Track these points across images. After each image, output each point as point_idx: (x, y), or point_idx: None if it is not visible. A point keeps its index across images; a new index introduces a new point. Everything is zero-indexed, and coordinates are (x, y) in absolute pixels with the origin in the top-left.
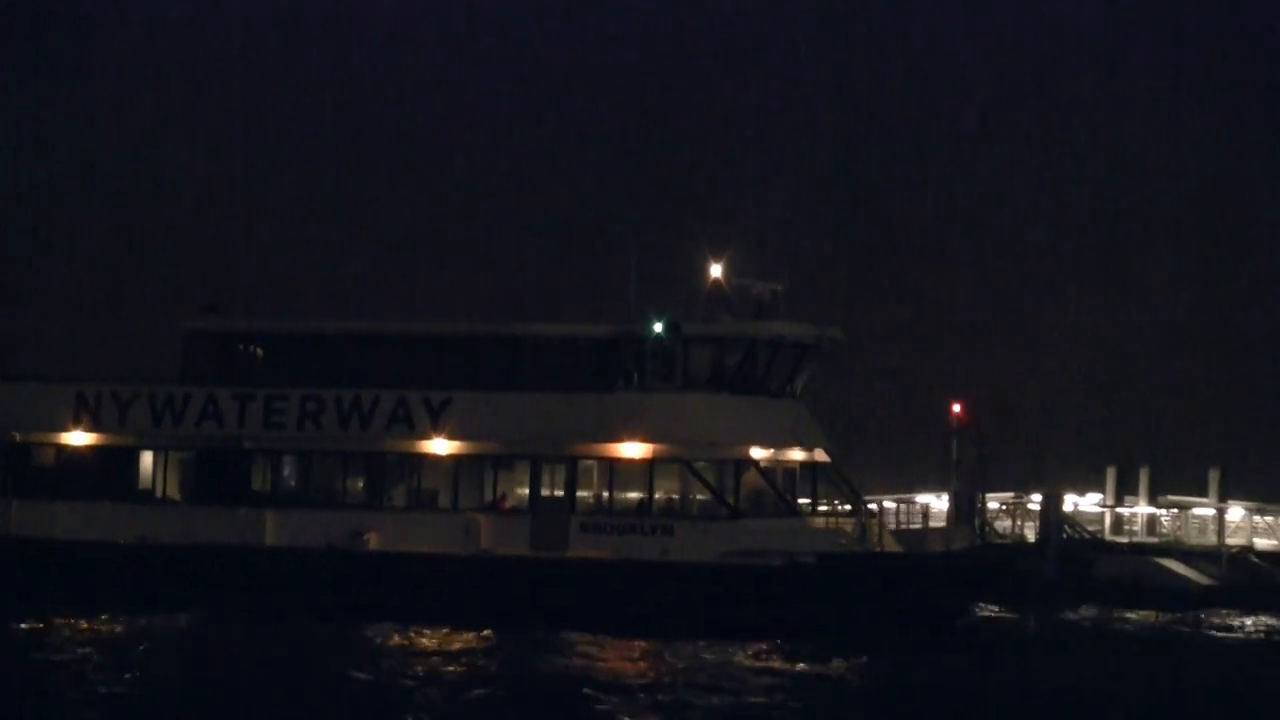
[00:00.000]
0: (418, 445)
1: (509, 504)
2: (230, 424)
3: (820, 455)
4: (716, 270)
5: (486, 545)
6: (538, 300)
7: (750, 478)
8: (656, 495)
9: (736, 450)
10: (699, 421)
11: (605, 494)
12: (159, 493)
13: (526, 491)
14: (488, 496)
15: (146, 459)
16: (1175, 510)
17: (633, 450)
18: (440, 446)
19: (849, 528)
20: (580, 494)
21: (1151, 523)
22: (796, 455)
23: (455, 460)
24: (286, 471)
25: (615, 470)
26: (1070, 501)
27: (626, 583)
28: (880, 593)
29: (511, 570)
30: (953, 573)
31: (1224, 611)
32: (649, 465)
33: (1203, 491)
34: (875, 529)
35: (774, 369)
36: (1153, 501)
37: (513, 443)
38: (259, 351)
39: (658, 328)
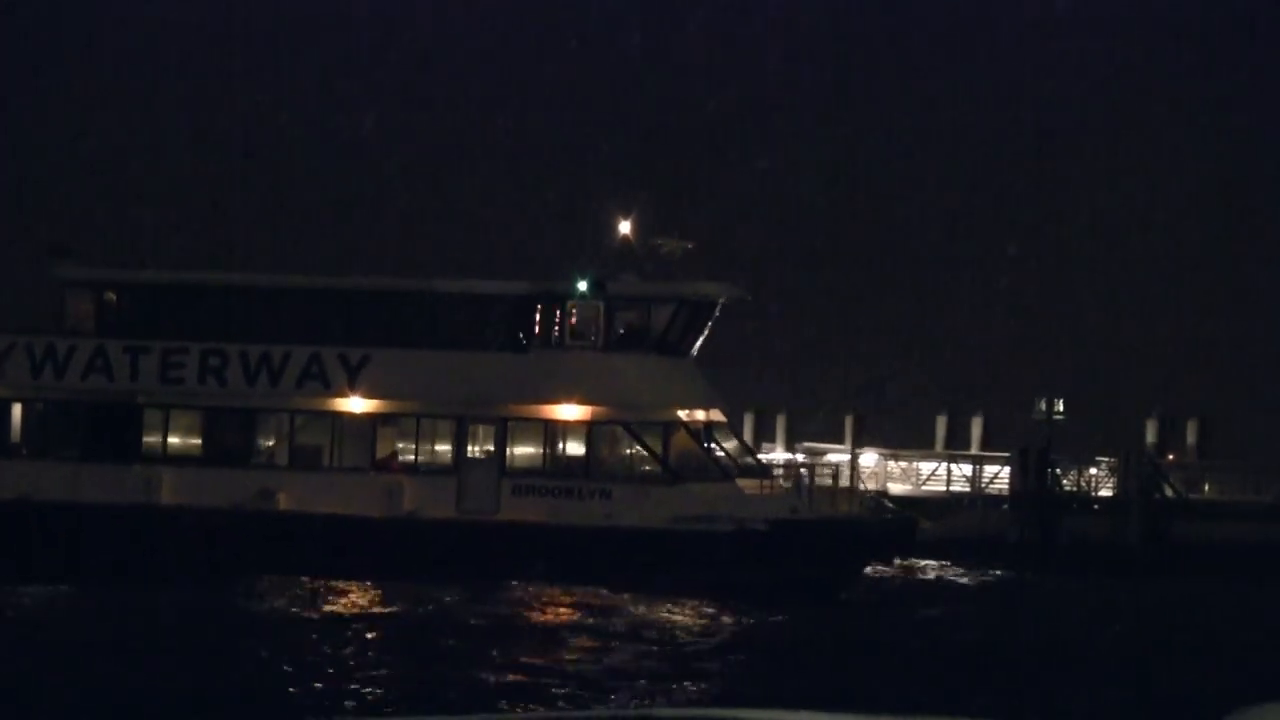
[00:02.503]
0: (333, 403)
1: (398, 464)
2: (121, 378)
3: (716, 414)
4: (625, 228)
5: (410, 508)
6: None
7: (680, 440)
8: (568, 458)
9: (667, 412)
10: (633, 382)
11: (538, 456)
12: (40, 450)
13: (447, 451)
14: (409, 457)
15: (23, 413)
16: (811, 456)
17: (569, 412)
18: (357, 405)
19: (782, 492)
20: (510, 455)
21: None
22: (699, 415)
23: (374, 419)
24: (185, 428)
25: (545, 432)
26: None
27: (570, 548)
28: (824, 557)
29: (437, 533)
30: (884, 536)
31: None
32: (586, 427)
33: (838, 438)
34: (807, 493)
35: (690, 329)
36: (789, 448)
37: (437, 402)
38: (154, 303)
39: (582, 286)
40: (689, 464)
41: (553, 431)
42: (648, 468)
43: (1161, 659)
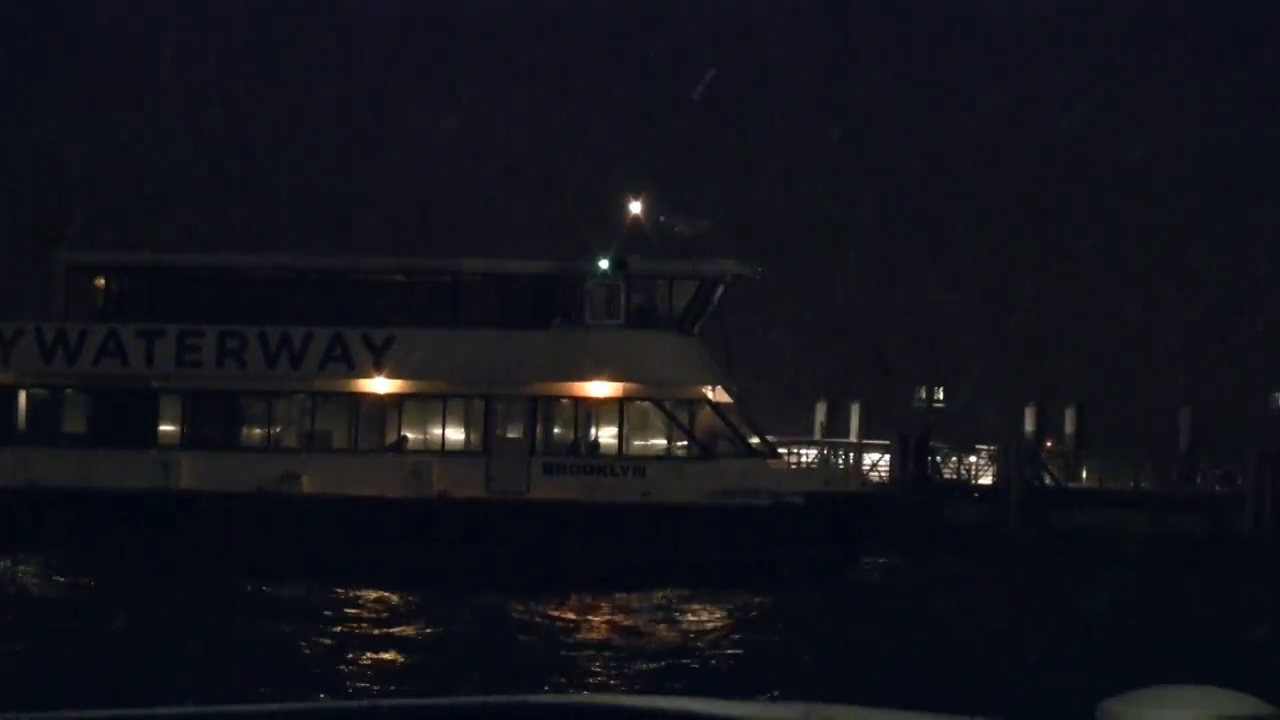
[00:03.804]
0: (357, 384)
1: (407, 445)
2: (136, 362)
3: (722, 393)
4: (636, 207)
5: (439, 488)
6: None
7: (706, 415)
8: (599, 435)
9: (693, 389)
10: (659, 360)
11: (567, 434)
12: (50, 435)
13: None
14: (437, 436)
15: (31, 399)
16: None
17: (597, 390)
18: (382, 385)
19: (813, 466)
20: (539, 434)
21: None
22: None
23: (400, 400)
24: (203, 412)
25: (574, 410)
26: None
27: (606, 525)
28: (857, 531)
29: (467, 514)
30: (911, 512)
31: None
32: (616, 404)
33: None
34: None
35: (706, 306)
36: None
37: (464, 381)
38: (165, 286)
39: (604, 264)
40: (718, 439)
41: (582, 409)
42: (679, 444)
43: (1035, 647)
